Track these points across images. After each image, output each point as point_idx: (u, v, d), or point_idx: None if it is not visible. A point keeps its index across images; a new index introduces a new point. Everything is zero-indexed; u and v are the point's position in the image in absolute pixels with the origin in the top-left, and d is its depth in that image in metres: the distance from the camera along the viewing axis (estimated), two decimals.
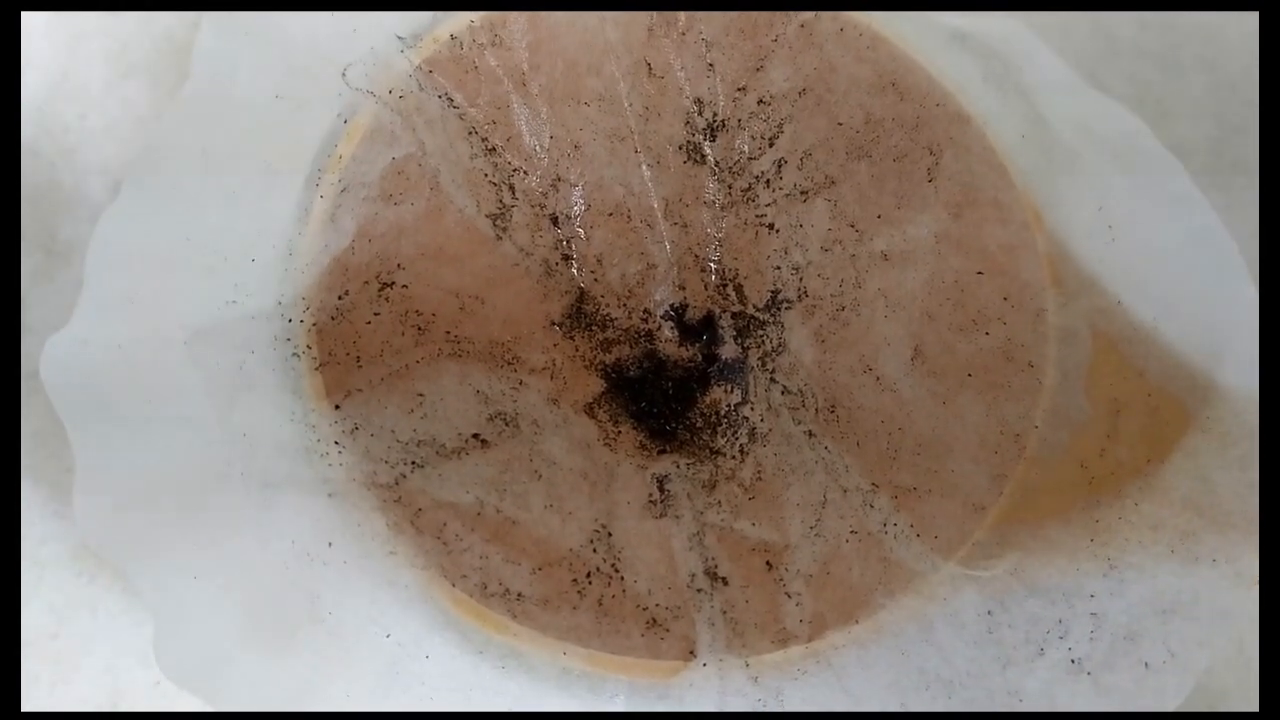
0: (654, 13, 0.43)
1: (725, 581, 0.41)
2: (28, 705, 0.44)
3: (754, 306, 0.43)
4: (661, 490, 0.41)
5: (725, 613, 0.41)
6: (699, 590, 0.41)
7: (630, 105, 0.43)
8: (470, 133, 0.42)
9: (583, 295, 0.42)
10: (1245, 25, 0.48)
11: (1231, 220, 0.41)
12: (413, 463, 0.40)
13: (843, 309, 0.43)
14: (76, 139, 0.46)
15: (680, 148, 0.43)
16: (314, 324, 0.41)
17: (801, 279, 0.43)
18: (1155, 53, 0.48)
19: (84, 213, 0.46)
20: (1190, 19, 0.48)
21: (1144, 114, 0.42)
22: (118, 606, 0.45)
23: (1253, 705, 0.45)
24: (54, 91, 0.46)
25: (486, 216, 0.42)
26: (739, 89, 0.43)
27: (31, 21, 0.46)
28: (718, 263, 0.43)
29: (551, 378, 0.42)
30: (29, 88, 0.46)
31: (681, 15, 0.43)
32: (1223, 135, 0.48)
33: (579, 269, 0.42)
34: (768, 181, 0.43)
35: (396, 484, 0.40)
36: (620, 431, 0.42)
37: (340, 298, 0.41)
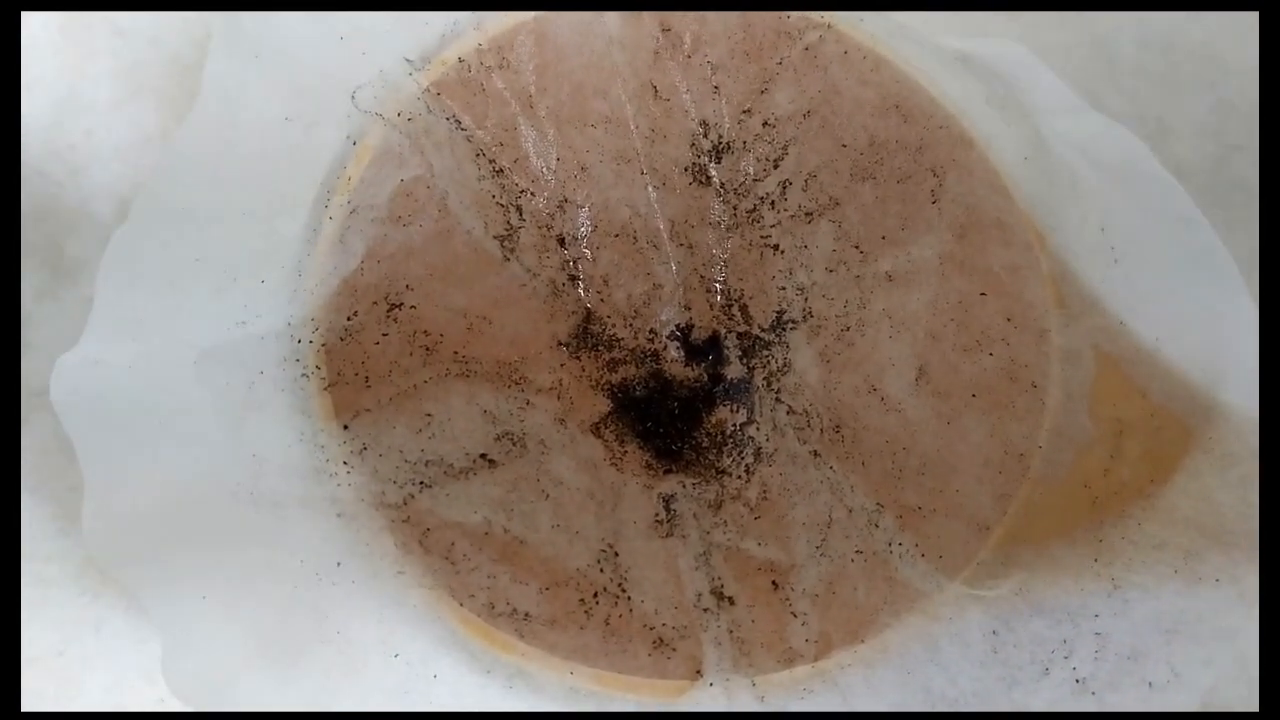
0: (660, 35, 0.43)
1: (731, 601, 0.41)
2: None
3: (759, 327, 0.43)
4: (668, 510, 0.41)
5: (732, 632, 0.41)
6: (705, 610, 0.41)
7: (636, 127, 0.43)
8: (478, 154, 0.42)
9: (589, 316, 0.42)
10: (1244, 44, 0.49)
11: (1232, 238, 0.41)
12: (421, 482, 0.40)
13: (847, 329, 0.43)
14: (83, 157, 0.46)
15: (686, 169, 0.43)
16: (323, 344, 0.41)
17: (806, 299, 0.43)
18: (1155, 72, 0.49)
19: (90, 231, 0.46)
20: (1190, 39, 0.49)
21: (1144, 133, 0.42)
22: (122, 624, 0.45)
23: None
24: (61, 110, 0.46)
25: (494, 238, 0.42)
26: (744, 111, 0.43)
27: (39, 40, 0.46)
28: (723, 283, 0.43)
29: (558, 398, 0.42)
30: (36, 106, 0.46)
31: (687, 38, 0.43)
32: (1222, 154, 0.48)
33: (585, 289, 0.43)
34: (773, 203, 0.43)
35: (405, 504, 0.40)
36: (626, 451, 0.42)
37: (349, 318, 0.41)
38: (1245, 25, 0.49)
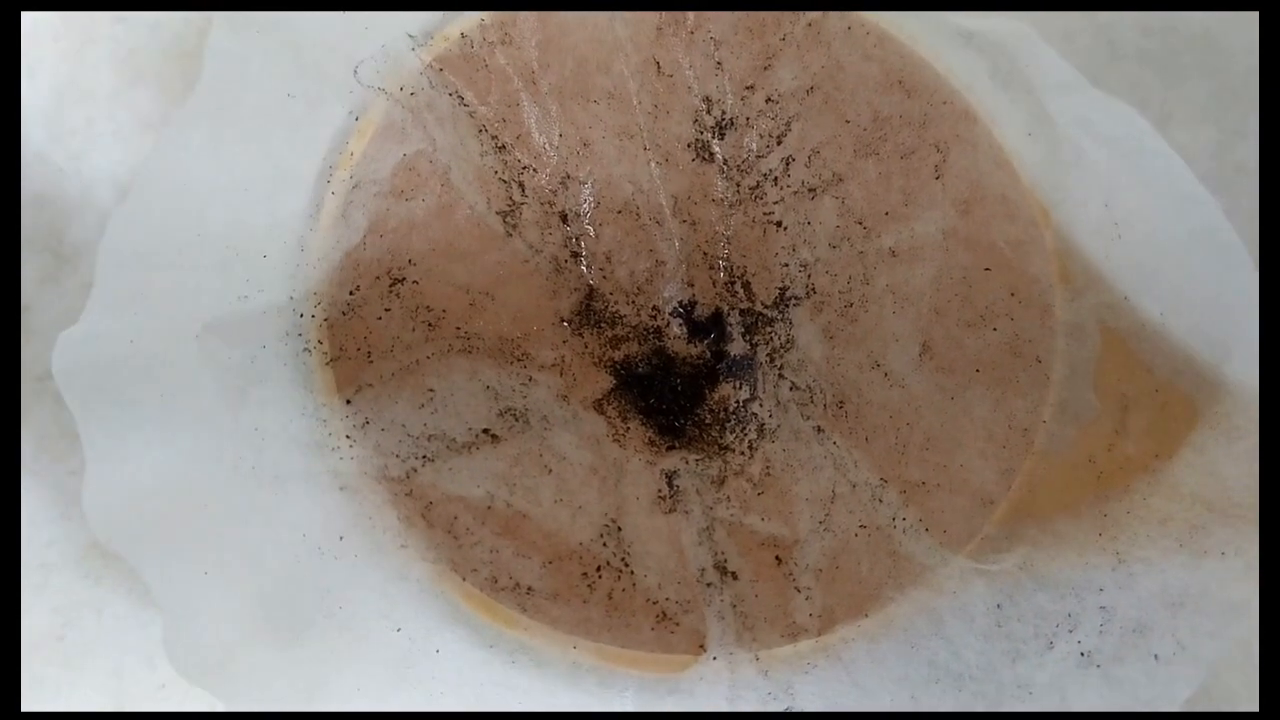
0: (662, 12, 0.43)
1: (735, 576, 0.41)
2: (33, 707, 0.44)
3: (762, 303, 0.43)
4: (670, 486, 0.41)
5: (735, 607, 0.41)
6: (709, 584, 0.41)
7: (639, 103, 0.43)
8: (480, 130, 0.42)
9: (592, 292, 0.42)
10: (1246, 32, 0.49)
11: (1233, 224, 0.41)
12: (424, 457, 0.40)
13: (851, 305, 0.43)
14: (84, 144, 0.46)
15: (689, 146, 0.43)
16: (325, 319, 0.41)
17: (810, 276, 0.43)
18: (1157, 58, 0.49)
19: (91, 217, 0.46)
20: (1191, 26, 0.49)
21: (1146, 118, 0.42)
22: (124, 609, 0.45)
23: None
24: (62, 97, 0.46)
25: (496, 213, 0.42)
26: (747, 87, 0.43)
27: (39, 28, 0.46)
28: (726, 260, 0.43)
29: (561, 374, 0.42)
30: (37, 93, 0.46)
31: (690, 14, 0.43)
32: (1224, 140, 0.48)
33: (588, 266, 0.42)
34: (776, 179, 0.43)
35: (407, 478, 0.40)
36: (629, 428, 0.42)
37: (351, 293, 0.41)
38: (1246, 14, 0.49)
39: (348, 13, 0.41)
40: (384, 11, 0.42)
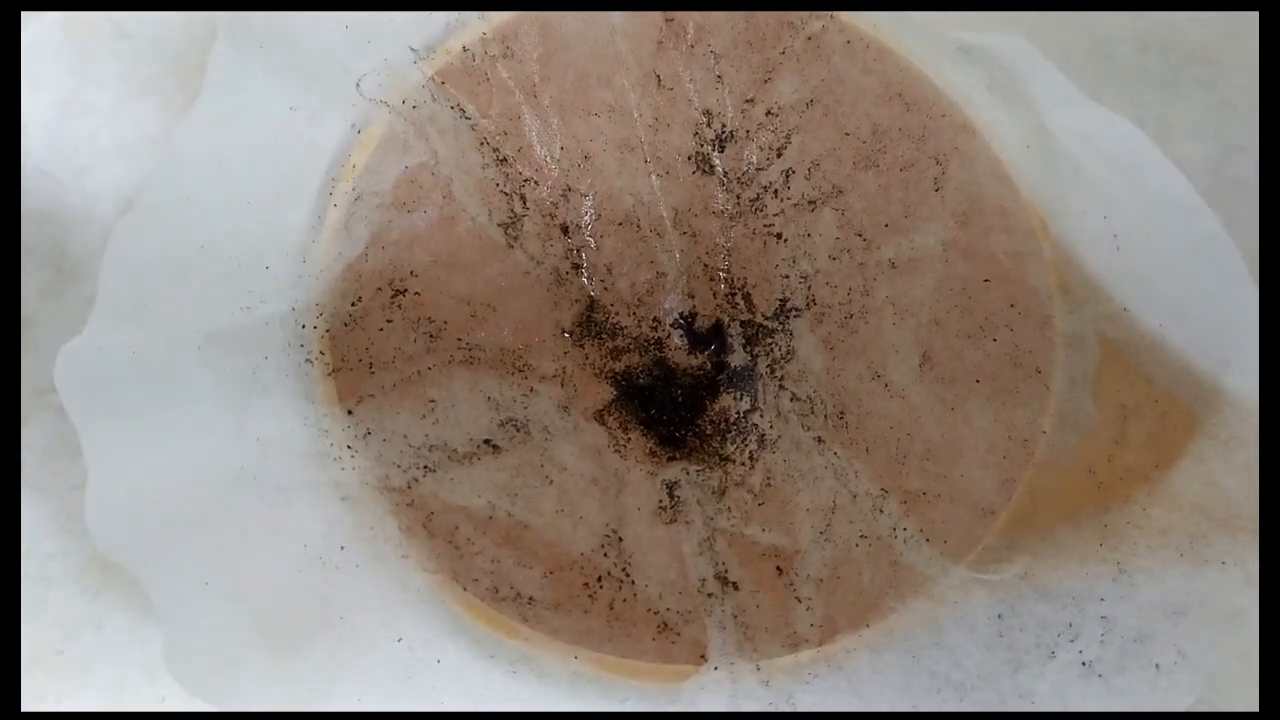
0: (663, 25, 0.43)
1: (736, 586, 0.41)
2: None
3: (762, 315, 0.43)
4: (671, 496, 0.41)
5: (736, 617, 0.41)
6: (710, 595, 0.41)
7: (640, 116, 0.43)
8: (482, 143, 0.42)
9: (593, 304, 0.42)
10: (1244, 44, 0.49)
11: (1232, 237, 0.41)
12: (425, 467, 0.40)
13: (851, 316, 0.43)
14: (87, 158, 0.46)
15: (689, 158, 0.43)
16: (327, 330, 0.41)
17: (810, 287, 0.43)
18: (1155, 74, 0.49)
19: (94, 231, 0.46)
20: (1189, 39, 0.49)
21: (1144, 132, 0.42)
22: (124, 623, 0.45)
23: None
24: (64, 111, 0.46)
25: (498, 225, 0.42)
26: (747, 100, 0.44)
27: (42, 41, 0.46)
28: (726, 272, 0.43)
29: (562, 385, 0.42)
30: (40, 107, 0.46)
31: (690, 28, 0.44)
32: (1222, 153, 0.48)
33: (589, 278, 0.43)
34: (776, 191, 0.43)
35: (409, 488, 0.40)
36: (630, 438, 0.42)
37: (353, 304, 0.41)
38: (1244, 25, 0.49)
39: (350, 27, 0.42)
40: (390, 18, 0.43)
